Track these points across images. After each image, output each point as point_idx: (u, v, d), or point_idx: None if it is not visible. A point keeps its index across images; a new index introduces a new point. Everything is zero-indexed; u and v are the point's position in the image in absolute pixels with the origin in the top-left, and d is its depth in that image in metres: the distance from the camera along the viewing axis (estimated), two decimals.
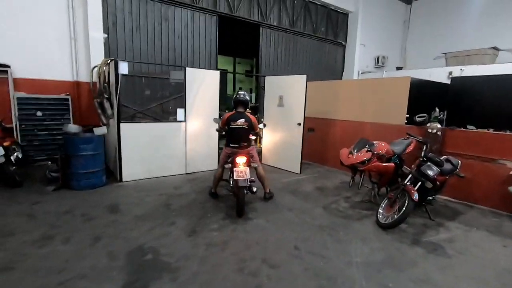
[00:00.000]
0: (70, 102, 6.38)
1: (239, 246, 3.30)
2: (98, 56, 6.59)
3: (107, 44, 6.98)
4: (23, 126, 5.94)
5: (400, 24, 13.05)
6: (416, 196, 3.72)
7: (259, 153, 7.40)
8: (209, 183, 5.36)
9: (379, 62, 12.03)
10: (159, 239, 3.39)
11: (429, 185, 3.86)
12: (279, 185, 5.55)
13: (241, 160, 4.01)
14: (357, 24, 11.25)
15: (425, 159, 4.05)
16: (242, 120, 4.23)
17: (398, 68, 12.18)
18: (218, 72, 6.17)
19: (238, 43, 12.26)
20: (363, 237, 3.63)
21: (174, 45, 7.90)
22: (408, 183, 3.98)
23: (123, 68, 5.11)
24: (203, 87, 6.00)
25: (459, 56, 10.21)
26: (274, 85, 6.73)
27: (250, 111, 4.70)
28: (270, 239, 3.49)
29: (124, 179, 5.29)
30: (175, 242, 3.33)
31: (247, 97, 4.44)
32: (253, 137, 4.67)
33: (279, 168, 6.71)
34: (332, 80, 7.36)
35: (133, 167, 5.36)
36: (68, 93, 6.40)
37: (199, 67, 8.32)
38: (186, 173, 5.98)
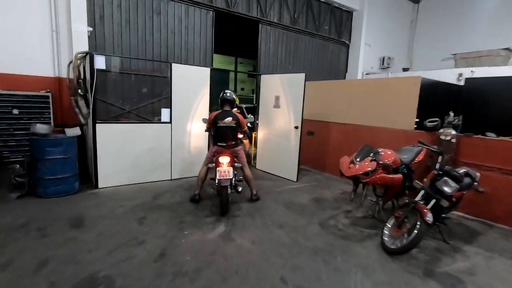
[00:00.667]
0: (50, 100, 5.78)
1: (213, 277, 2.64)
2: (81, 51, 6.02)
3: (93, 38, 6.39)
4: None
5: (407, 23, 12.28)
6: (430, 218, 3.03)
7: (253, 157, 6.76)
8: (194, 191, 4.74)
9: (384, 63, 11.29)
10: (119, 264, 2.75)
11: (445, 203, 3.18)
12: (272, 195, 4.89)
13: (224, 159, 3.90)
14: (362, 23, 10.53)
15: (441, 172, 3.35)
16: (229, 119, 4.11)
17: (405, 69, 11.43)
18: (208, 69, 5.53)
19: (240, 43, 11.63)
20: (365, 266, 2.96)
21: (166, 41, 7.28)
22: (419, 201, 3.29)
23: (100, 62, 4.50)
24: (191, 85, 5.36)
25: (469, 57, 9.45)
26: (270, 84, 6.06)
27: (238, 110, 4.64)
28: (252, 267, 2.83)
29: (100, 185, 4.68)
30: (137, 270, 2.69)
31: (234, 96, 4.37)
32: (241, 136, 4.68)
33: (274, 175, 6.05)
34: (334, 80, 6.69)
35: (110, 173, 4.74)
36: (48, 90, 5.79)
37: (193, 65, 7.69)
38: (171, 179, 5.35)
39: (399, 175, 3.77)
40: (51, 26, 5.83)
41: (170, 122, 5.20)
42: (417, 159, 4.17)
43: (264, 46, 8.81)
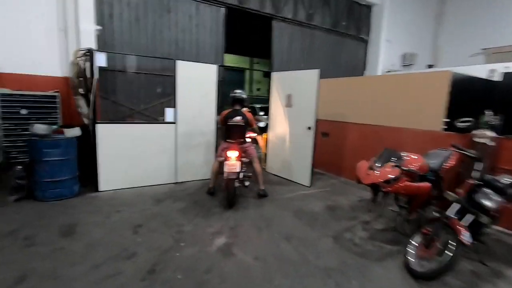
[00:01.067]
0: (58, 100, 5.62)
1: None
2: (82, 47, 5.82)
3: (102, 37, 6.18)
4: (6, 125, 5.24)
5: (431, 18, 11.39)
6: (467, 238, 2.48)
7: (264, 159, 6.32)
8: (199, 196, 4.39)
9: (406, 60, 10.51)
10: (101, 283, 2.40)
11: (485, 220, 2.61)
12: (281, 201, 4.43)
13: (232, 154, 3.95)
14: (382, 18, 9.82)
15: (480, 183, 2.77)
16: (238, 118, 4.24)
17: (430, 66, 10.59)
18: (215, 66, 5.15)
19: (255, 42, 11.24)
20: None
21: (177, 39, 6.98)
22: (453, 216, 2.73)
23: (100, 60, 4.24)
24: (198, 83, 5.00)
25: (501, 52, 8.57)
26: (282, 82, 5.60)
27: (249, 110, 4.84)
28: None
29: (101, 188, 4.41)
30: None
31: (243, 95, 4.45)
32: (254, 134, 5.11)
33: (285, 179, 5.58)
34: (351, 77, 6.09)
35: (112, 175, 4.46)
36: (57, 90, 5.63)
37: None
38: (175, 183, 5.01)
39: (427, 184, 3.21)
40: (59, 25, 5.67)
41: (175, 123, 4.86)
42: (446, 165, 3.59)
43: (277, 43, 8.34)
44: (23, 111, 5.37)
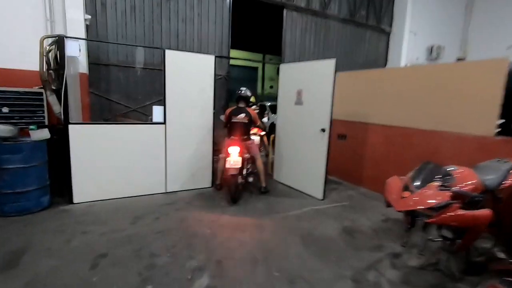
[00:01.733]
0: (44, 97, 4.95)
1: None
2: (81, 41, 5.13)
3: (93, 28, 5.49)
4: None
5: (461, 7, 10.03)
6: None
7: (271, 165, 5.42)
8: (188, 211, 3.59)
9: (433, 53, 9.25)
10: None
11: None
12: (287, 220, 3.53)
13: (234, 150, 3.88)
14: (406, 7, 8.63)
15: None
16: (242, 115, 4.18)
17: (460, 59, 9.29)
18: (212, 57, 4.29)
19: (267, 38, 10.31)
20: None
21: (177, 30, 6.19)
22: None
23: (72, 48, 3.48)
24: (192, 76, 4.16)
25: None
26: (291, 75, 4.66)
27: (257, 108, 5.41)
28: None
29: (75, 200, 3.67)
30: None
31: (248, 93, 4.37)
32: (262, 133, 5.26)
33: (294, 189, 4.66)
34: (373, 69, 5.04)
35: (88, 185, 3.72)
36: (42, 86, 4.98)
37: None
38: (165, 192, 4.21)
39: (487, 212, 2.22)
40: (45, 14, 4.97)
41: (164, 123, 4.06)
42: (507, 182, 2.58)
43: (289, 34, 7.39)
44: (5, 109, 4.71)
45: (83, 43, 5.15)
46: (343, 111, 5.02)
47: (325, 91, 4.06)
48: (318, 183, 4.24)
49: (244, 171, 4.17)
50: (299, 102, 4.50)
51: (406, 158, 4.22)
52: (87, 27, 5.39)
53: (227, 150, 3.93)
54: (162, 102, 4.06)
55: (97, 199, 3.78)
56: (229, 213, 3.62)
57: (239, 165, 3.82)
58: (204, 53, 6.55)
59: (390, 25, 8.94)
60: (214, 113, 4.40)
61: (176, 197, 4.09)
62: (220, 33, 6.62)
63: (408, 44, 8.86)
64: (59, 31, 5.02)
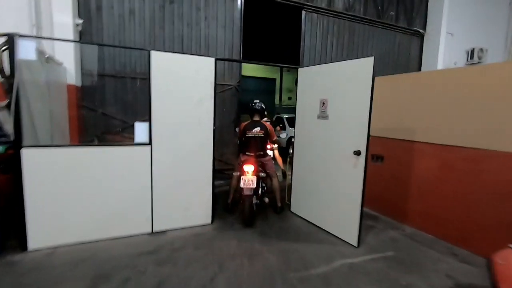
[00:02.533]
0: None
1: None
2: (69, 49, 4.36)
3: (88, 33, 4.70)
4: None
5: (504, 6, 8.52)
6: None
7: (287, 192, 4.26)
8: (181, 261, 2.48)
9: (473, 57, 7.78)
10: None
11: None
12: (309, 284, 2.34)
13: (248, 168, 3.39)
14: (442, 7, 7.31)
15: None
16: (257, 129, 3.76)
17: None
18: (212, 60, 3.26)
19: (284, 48, 9.32)
20: None
21: (181, 35, 5.30)
22: None
23: (26, 50, 2.59)
24: (186, 85, 3.16)
25: None
26: (312, 81, 3.54)
27: (269, 120, 4.53)
28: None
29: (30, 245, 2.70)
30: None
31: (263, 106, 3.93)
32: (274, 146, 4.59)
33: (318, 227, 3.46)
34: (422, 72, 3.75)
35: (49, 226, 2.75)
36: None
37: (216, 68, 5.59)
38: (151, 233, 3.16)
39: None
40: (31, 19, 4.22)
41: (150, 143, 3.05)
42: None
43: (308, 38, 6.31)
44: None
45: (72, 50, 4.37)
46: (378, 126, 3.81)
47: (360, 100, 2.90)
48: (351, 224, 3.02)
49: (260, 191, 3.72)
50: (323, 115, 3.35)
51: (472, 190, 2.94)
52: (80, 34, 4.61)
53: (242, 168, 3.44)
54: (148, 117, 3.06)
55: (60, 244, 2.80)
56: (229, 272, 2.50)
57: (254, 185, 3.33)
58: None
59: (424, 27, 7.62)
60: (214, 130, 3.35)
61: (164, 240, 3.03)
62: (231, 37, 5.66)
63: (444, 47, 7.48)
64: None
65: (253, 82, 15.46)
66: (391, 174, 3.78)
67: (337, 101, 3.19)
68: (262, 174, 3.61)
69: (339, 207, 3.17)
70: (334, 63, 3.22)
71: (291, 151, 4.30)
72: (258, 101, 3.92)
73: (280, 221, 3.64)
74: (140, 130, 3.03)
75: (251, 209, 3.38)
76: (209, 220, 3.43)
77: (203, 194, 3.37)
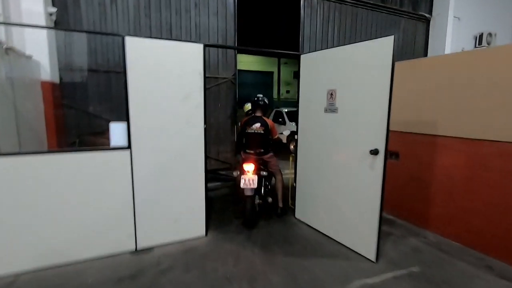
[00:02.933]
0: None
1: None
2: (42, 41, 3.80)
3: (65, 24, 4.14)
4: None
5: None
6: None
7: (290, 195, 3.76)
8: (171, 286, 1.98)
9: (482, 42, 7.23)
10: None
11: None
12: None
13: (248, 167, 3.12)
14: None
15: None
16: (257, 125, 3.42)
17: None
18: (200, 47, 2.72)
19: (283, 39, 8.72)
20: None
21: (169, 24, 4.74)
22: None
23: None
24: (170, 77, 2.62)
25: None
26: (318, 70, 3.00)
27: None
28: None
29: None
30: None
31: (266, 101, 3.62)
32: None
33: (327, 237, 2.97)
34: (443, 55, 3.16)
35: (9, 248, 2.25)
36: None
37: (209, 51, 5.04)
38: (135, 251, 2.66)
39: None
40: None
41: (129, 147, 2.53)
42: None
43: (308, 26, 5.74)
44: None
45: (45, 42, 3.81)
46: (392, 119, 3.28)
47: (376, 90, 2.38)
48: (367, 234, 2.54)
49: (262, 190, 3.46)
50: (331, 108, 2.83)
51: (511, 192, 2.43)
52: (55, 24, 4.05)
53: (241, 167, 3.22)
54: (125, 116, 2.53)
55: (23, 270, 2.30)
56: None
57: (255, 185, 3.06)
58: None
59: (430, 11, 7.03)
60: (205, 128, 2.82)
61: (149, 259, 2.53)
62: (224, 25, 5.09)
63: (452, 32, 6.91)
64: (15, 29, 3.70)
65: (250, 76, 14.87)
66: (408, 172, 3.27)
67: (348, 91, 2.66)
68: (263, 173, 3.32)
69: (353, 215, 2.67)
70: (344, 46, 2.68)
71: (292, 147, 3.83)
72: (261, 95, 3.61)
73: (284, 229, 3.15)
74: (117, 132, 2.51)
75: (252, 210, 3.15)
76: (202, 232, 2.94)
77: (195, 202, 2.86)
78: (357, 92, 2.56)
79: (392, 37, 2.25)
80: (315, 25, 5.85)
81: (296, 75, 4.01)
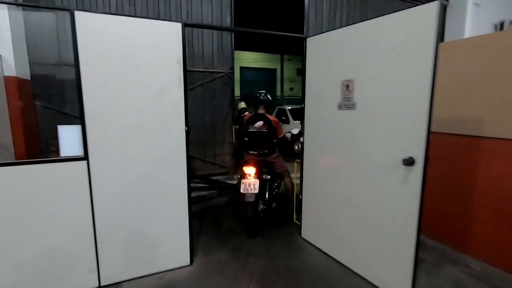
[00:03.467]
0: None
1: None
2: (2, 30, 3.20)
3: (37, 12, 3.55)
4: None
5: None
6: None
7: (294, 209, 3.12)
8: None
9: (503, 30, 6.44)
10: None
11: None
12: None
13: (249, 170, 2.78)
14: None
15: None
16: (260, 123, 3.08)
17: None
18: (179, 26, 2.06)
19: (285, 39, 8.03)
20: None
21: (157, 13, 4.12)
22: None
23: None
24: (138, 66, 1.98)
25: None
26: (329, 54, 2.32)
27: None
28: None
29: None
30: None
31: (269, 97, 3.26)
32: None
33: (344, 266, 2.31)
34: (488, 35, 2.49)
35: None
36: None
37: (202, 43, 4.43)
38: (98, 287, 2.05)
39: None
40: None
41: (85, 157, 1.90)
42: None
43: (313, 14, 5.04)
44: None
45: (7, 32, 3.20)
46: None
47: (412, 77, 1.71)
48: (399, 267, 1.87)
49: (267, 195, 3.00)
50: (347, 103, 2.16)
51: None
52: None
53: (243, 170, 2.86)
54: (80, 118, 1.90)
55: None
56: None
57: (257, 190, 2.69)
58: (197, 43, 4.44)
59: None
60: (188, 131, 2.18)
61: None
62: (219, 14, 4.45)
63: (471, 20, 6.15)
64: None
65: (253, 73, 14.21)
66: (441, 181, 2.59)
67: (370, 81, 1.99)
68: (266, 177, 2.92)
69: (379, 241, 2.01)
70: (366, 21, 2.01)
71: (296, 147, 3.24)
72: (264, 91, 3.30)
73: (288, 253, 2.51)
74: (68, 138, 1.88)
75: (255, 217, 2.76)
76: (187, 260, 2.30)
77: (176, 224, 2.23)
78: (383, 81, 1.89)
79: (437, 3, 1.58)
80: (321, 14, 5.15)
81: (300, 72, 3.41)
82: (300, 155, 2.76)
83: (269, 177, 2.94)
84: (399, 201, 1.84)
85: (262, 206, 2.93)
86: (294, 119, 7.09)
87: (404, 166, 1.78)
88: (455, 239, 2.51)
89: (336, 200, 2.34)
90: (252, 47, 13.34)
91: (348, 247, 2.27)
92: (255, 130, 3.10)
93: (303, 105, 2.64)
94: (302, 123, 2.68)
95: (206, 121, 4.57)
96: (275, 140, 3.15)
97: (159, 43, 2.01)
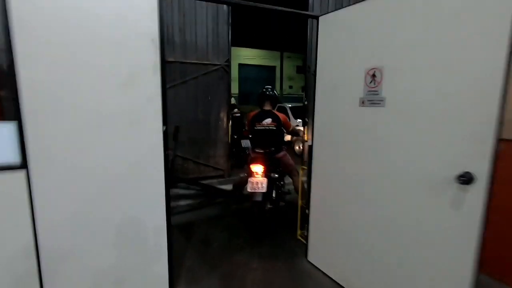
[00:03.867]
0: None
1: None
2: None
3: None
4: None
5: None
6: None
7: (298, 225, 2.62)
8: None
9: None
10: None
11: None
12: None
13: (257, 168, 2.67)
14: None
15: None
16: (268, 120, 2.95)
17: None
18: (154, 2, 1.54)
19: (285, 34, 7.43)
20: None
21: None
22: None
23: None
24: (98, 45, 1.45)
25: None
26: (349, 36, 1.80)
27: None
28: None
29: None
30: None
31: (275, 92, 3.15)
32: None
33: None
34: None
35: None
36: None
37: (195, 31, 3.90)
38: None
39: None
40: None
41: (24, 166, 1.38)
42: None
43: (317, 6, 4.52)
44: None
45: None
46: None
47: (478, 61, 1.19)
48: None
49: (273, 194, 2.85)
50: (373, 99, 1.64)
51: None
52: None
53: (250, 169, 2.71)
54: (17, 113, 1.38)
55: None
56: None
57: (265, 189, 2.54)
58: (189, 42, 3.89)
59: None
60: (165, 131, 1.66)
61: None
62: (213, 11, 3.91)
63: None
64: None
65: (252, 70, 13.71)
66: (507, 206, 2.07)
67: (406, 68, 1.48)
68: (274, 175, 2.81)
69: (419, 280, 1.50)
70: None
71: (297, 148, 2.79)
72: (270, 87, 3.18)
73: (292, 285, 2.00)
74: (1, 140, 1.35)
75: (262, 218, 2.63)
76: None
77: (151, 250, 1.72)
78: (427, 68, 1.38)
79: None
80: (326, 4, 4.62)
81: (300, 70, 3.01)
82: (308, 161, 2.25)
83: (277, 175, 2.86)
84: (448, 231, 1.34)
85: (269, 206, 2.79)
86: (295, 117, 6.60)
87: (458, 184, 1.27)
88: None
89: (356, 221, 1.83)
90: (250, 43, 12.81)
91: (374, 281, 1.76)
92: (263, 128, 2.94)
93: (305, 103, 2.20)
94: (304, 122, 2.25)
95: (200, 119, 4.05)
96: (289, 134, 3.10)
97: (126, 14, 1.49)
